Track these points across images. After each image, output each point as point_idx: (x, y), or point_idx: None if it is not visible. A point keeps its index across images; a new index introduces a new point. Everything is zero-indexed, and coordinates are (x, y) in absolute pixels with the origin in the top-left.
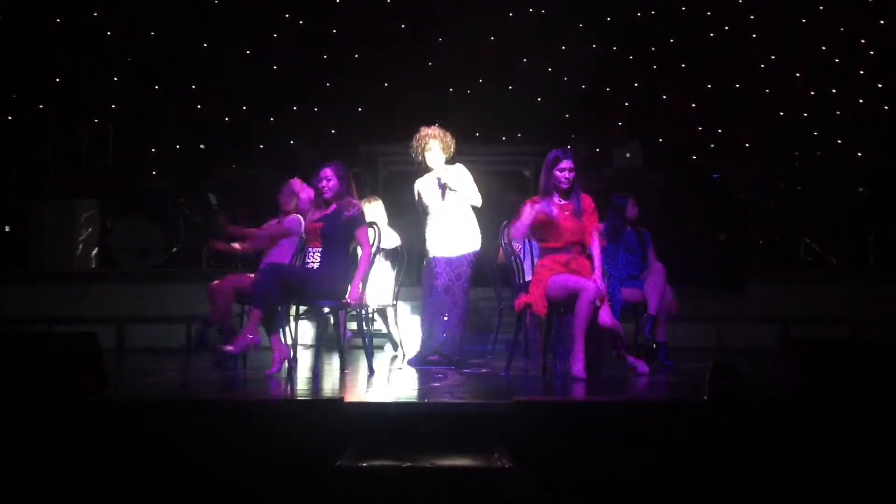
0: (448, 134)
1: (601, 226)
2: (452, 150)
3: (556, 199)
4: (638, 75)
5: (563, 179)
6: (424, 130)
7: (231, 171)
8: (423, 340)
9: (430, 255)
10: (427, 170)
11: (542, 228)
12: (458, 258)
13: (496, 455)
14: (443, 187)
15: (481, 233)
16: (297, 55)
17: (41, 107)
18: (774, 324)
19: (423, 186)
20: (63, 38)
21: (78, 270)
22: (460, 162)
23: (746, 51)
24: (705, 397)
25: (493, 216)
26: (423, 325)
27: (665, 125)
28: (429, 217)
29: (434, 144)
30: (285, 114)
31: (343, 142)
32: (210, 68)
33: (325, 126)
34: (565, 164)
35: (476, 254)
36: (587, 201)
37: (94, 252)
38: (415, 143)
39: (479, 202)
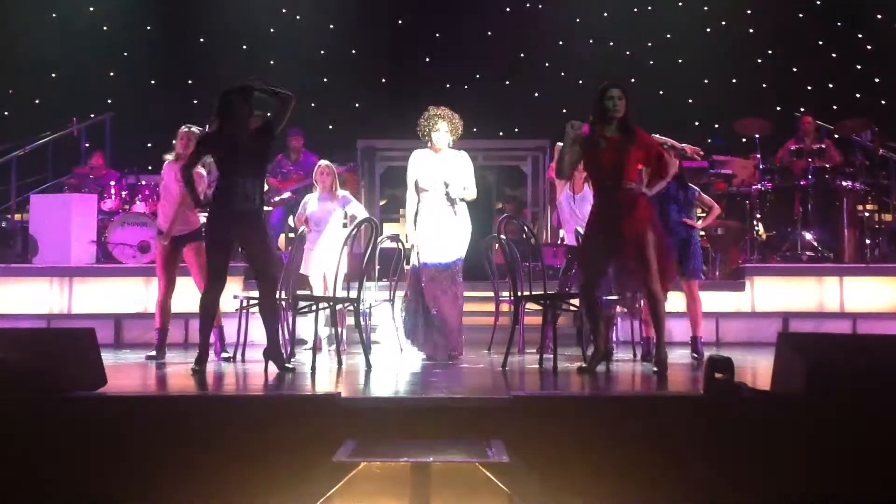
0: (456, 116)
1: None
2: (460, 132)
3: (604, 131)
4: (636, 71)
5: (613, 108)
6: (433, 110)
7: None
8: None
9: (423, 261)
10: (427, 147)
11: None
12: (455, 262)
13: (494, 450)
14: (450, 199)
15: (478, 226)
16: (293, 50)
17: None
18: (774, 318)
19: (424, 167)
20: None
21: (76, 266)
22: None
23: (745, 45)
24: (702, 392)
25: (489, 210)
26: (418, 327)
27: (664, 119)
28: (422, 202)
29: (443, 125)
30: None
31: (340, 137)
32: (206, 62)
33: (322, 121)
34: (614, 91)
35: (466, 248)
36: (642, 136)
37: (93, 247)
38: (423, 121)
39: (474, 196)
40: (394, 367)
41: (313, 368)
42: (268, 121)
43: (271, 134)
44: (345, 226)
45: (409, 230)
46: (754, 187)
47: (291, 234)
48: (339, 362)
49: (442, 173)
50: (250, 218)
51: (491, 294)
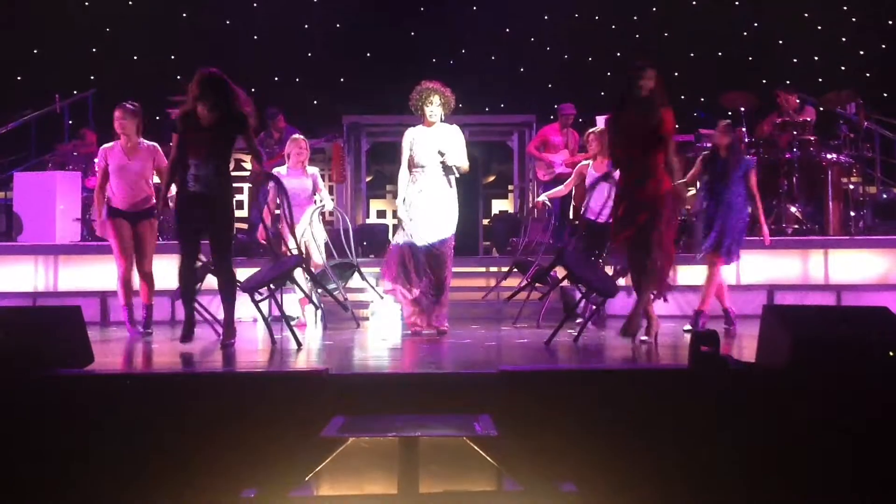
0: (448, 90)
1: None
2: (452, 107)
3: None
4: (621, 45)
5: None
6: (426, 84)
7: None
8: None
9: (417, 241)
10: (420, 123)
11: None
12: (448, 238)
13: (482, 424)
14: (446, 169)
15: (464, 202)
16: (278, 24)
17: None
18: (759, 291)
19: (419, 141)
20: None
21: (61, 243)
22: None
23: (731, 18)
24: (688, 365)
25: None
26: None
27: None
28: (416, 177)
29: (436, 99)
30: (267, 84)
31: (325, 113)
32: (189, 38)
33: (306, 97)
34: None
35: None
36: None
37: (77, 225)
38: (415, 95)
39: (467, 168)
40: (381, 342)
41: (300, 345)
42: (243, 119)
43: (238, 132)
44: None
45: (400, 206)
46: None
47: (277, 211)
48: (326, 338)
49: (436, 145)
50: (204, 202)
51: (479, 269)
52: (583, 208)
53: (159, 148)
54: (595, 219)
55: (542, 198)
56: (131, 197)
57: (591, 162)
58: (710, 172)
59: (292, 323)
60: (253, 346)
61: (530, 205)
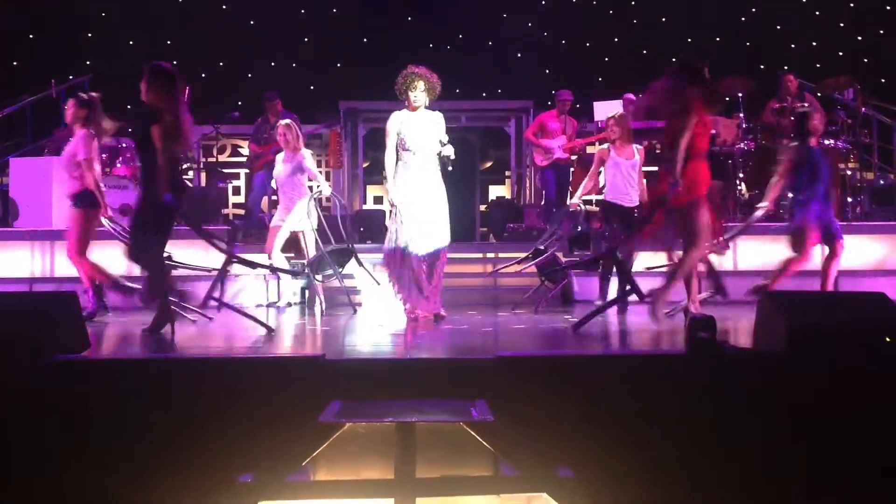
0: (435, 75)
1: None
2: (437, 92)
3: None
4: (619, 30)
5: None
6: (411, 68)
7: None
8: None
9: (416, 251)
10: (403, 108)
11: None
12: (446, 245)
13: (478, 410)
14: (444, 161)
15: (461, 189)
16: (275, 9)
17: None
18: (756, 277)
19: (408, 125)
20: None
21: (57, 229)
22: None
23: (729, 3)
24: (685, 350)
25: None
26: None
27: (646, 79)
28: (407, 163)
29: (420, 84)
30: (264, 69)
31: (321, 98)
32: (185, 23)
33: (302, 82)
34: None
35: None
36: None
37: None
38: (400, 79)
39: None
40: (378, 328)
41: (271, 330)
42: (151, 112)
43: (147, 124)
44: (310, 189)
45: (391, 190)
46: (737, 147)
47: (274, 197)
48: (323, 323)
49: (431, 133)
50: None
51: (476, 255)
52: (605, 192)
53: (84, 138)
54: (620, 202)
55: (576, 200)
56: (67, 183)
57: (609, 145)
58: (810, 166)
59: (287, 307)
60: (250, 332)
61: (529, 191)
